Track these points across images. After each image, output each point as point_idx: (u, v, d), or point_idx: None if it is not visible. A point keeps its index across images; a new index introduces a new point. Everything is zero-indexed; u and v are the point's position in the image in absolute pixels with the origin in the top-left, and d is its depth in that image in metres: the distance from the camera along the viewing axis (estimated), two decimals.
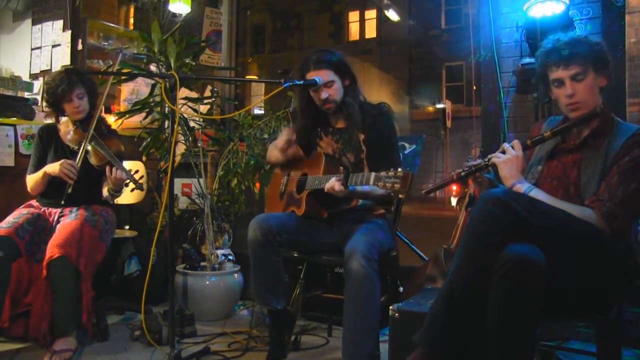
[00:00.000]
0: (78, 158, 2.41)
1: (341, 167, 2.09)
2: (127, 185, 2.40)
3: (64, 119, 2.62)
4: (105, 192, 2.49)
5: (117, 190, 2.45)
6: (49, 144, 2.54)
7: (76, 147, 2.46)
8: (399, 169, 1.72)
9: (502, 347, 1.33)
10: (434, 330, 1.45)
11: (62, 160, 2.38)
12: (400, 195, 1.82)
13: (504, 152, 1.67)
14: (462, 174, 1.72)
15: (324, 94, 2.15)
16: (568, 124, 1.64)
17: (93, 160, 2.45)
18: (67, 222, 2.36)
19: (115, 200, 2.66)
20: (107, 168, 2.36)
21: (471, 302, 1.40)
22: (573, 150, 1.66)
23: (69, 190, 2.35)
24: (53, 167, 2.39)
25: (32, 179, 2.49)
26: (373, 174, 1.80)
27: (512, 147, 1.66)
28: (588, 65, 1.59)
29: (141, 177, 2.40)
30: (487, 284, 1.36)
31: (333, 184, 1.96)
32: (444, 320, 1.44)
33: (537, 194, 1.58)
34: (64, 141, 2.54)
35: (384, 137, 2.18)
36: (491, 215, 1.40)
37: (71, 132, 2.47)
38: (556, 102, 1.70)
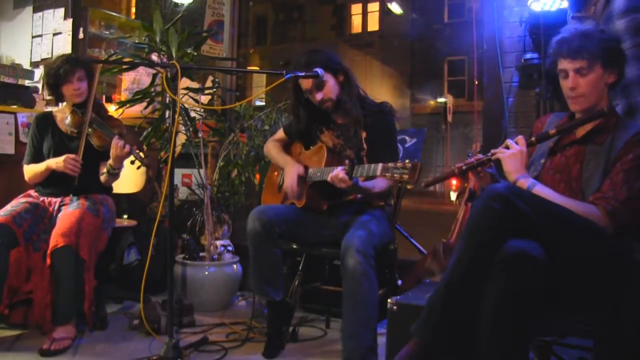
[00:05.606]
0: (80, 148, 2.40)
1: (347, 160, 2.10)
2: (132, 162, 2.37)
3: (60, 106, 2.61)
4: (103, 171, 2.46)
5: (117, 167, 2.43)
6: (45, 131, 2.53)
7: (75, 132, 2.45)
8: (407, 160, 1.72)
9: (497, 341, 1.34)
10: (430, 321, 1.46)
11: (65, 156, 2.37)
12: (409, 186, 1.85)
13: (507, 148, 1.66)
14: (464, 168, 1.72)
15: (318, 96, 2.14)
16: (573, 123, 1.64)
17: (95, 141, 2.44)
18: (69, 211, 2.36)
19: (114, 189, 2.66)
20: (113, 142, 2.35)
21: (468, 296, 1.41)
22: (576, 144, 1.65)
23: (76, 183, 2.38)
24: (57, 163, 2.39)
25: (31, 170, 2.49)
26: (380, 164, 1.79)
27: (516, 143, 1.66)
28: (595, 61, 1.57)
29: (146, 156, 2.40)
30: (484, 278, 1.37)
31: (337, 172, 1.95)
32: (441, 312, 1.44)
33: (541, 189, 1.57)
34: (61, 128, 2.53)
35: (385, 136, 2.17)
36: (491, 210, 1.40)
37: (69, 117, 2.46)
38: (558, 98, 1.69)
